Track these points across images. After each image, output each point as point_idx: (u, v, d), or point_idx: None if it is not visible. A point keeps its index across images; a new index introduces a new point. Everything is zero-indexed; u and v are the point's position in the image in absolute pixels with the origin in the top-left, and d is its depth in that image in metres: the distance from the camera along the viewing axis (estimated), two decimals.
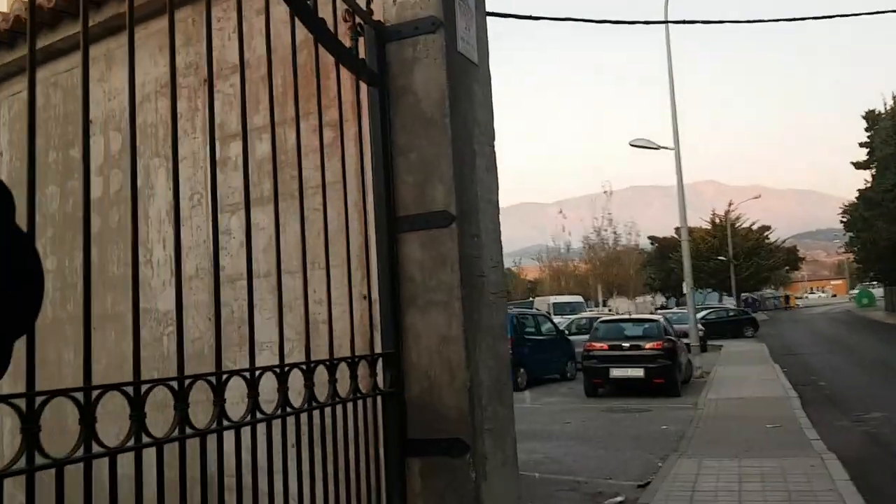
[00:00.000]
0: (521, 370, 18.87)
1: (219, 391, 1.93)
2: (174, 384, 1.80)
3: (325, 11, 2.66)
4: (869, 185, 47.57)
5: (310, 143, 2.80)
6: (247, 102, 3.58)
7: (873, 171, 46.68)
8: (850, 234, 53.57)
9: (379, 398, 2.72)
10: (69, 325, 4.27)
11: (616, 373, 16.81)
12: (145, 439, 1.68)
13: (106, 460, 1.58)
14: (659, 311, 35.92)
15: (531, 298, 52.37)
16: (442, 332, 2.73)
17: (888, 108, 45.22)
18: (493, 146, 3.20)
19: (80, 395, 1.55)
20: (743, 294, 62.91)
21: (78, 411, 1.54)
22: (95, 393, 1.59)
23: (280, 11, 2.77)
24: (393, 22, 2.93)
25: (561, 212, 66.02)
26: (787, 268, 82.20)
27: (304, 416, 2.31)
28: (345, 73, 2.86)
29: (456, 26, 2.93)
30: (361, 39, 2.89)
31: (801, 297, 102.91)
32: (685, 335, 20.86)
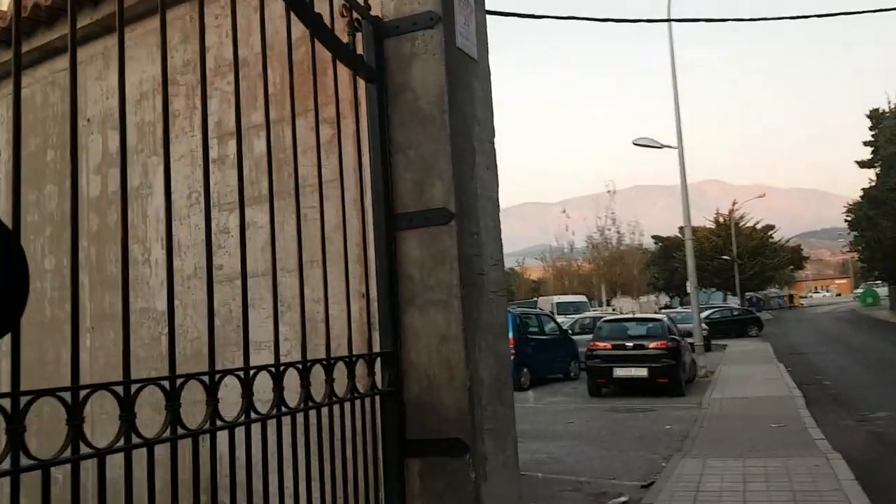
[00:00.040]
0: (525, 370, 18.83)
1: (212, 391, 1.90)
2: (166, 384, 1.77)
3: (321, 7, 2.63)
4: (873, 183, 47.42)
5: (309, 141, 2.77)
6: (247, 100, 3.59)
7: (877, 169, 46.55)
8: (855, 232, 53.40)
9: (377, 398, 2.69)
10: (68, 325, 4.22)
11: (620, 372, 16.76)
12: (136, 440, 1.64)
13: (105, 461, 1.55)
14: (663, 311, 35.85)
15: (535, 298, 52.32)
16: (441, 330, 2.70)
17: (892, 106, 45.10)
18: (494, 143, 3.16)
19: (67, 396, 1.52)
20: (747, 293, 62.78)
21: (65, 412, 1.51)
22: (83, 393, 1.56)
23: (278, 7, 2.74)
24: (391, 17, 2.90)
25: (564, 211, 65.99)
26: (791, 267, 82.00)
27: (301, 417, 2.27)
28: (343, 69, 2.82)
29: (455, 22, 2.90)
30: (359, 35, 2.86)
31: (805, 297, 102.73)
32: (689, 334, 20.80)
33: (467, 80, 2.96)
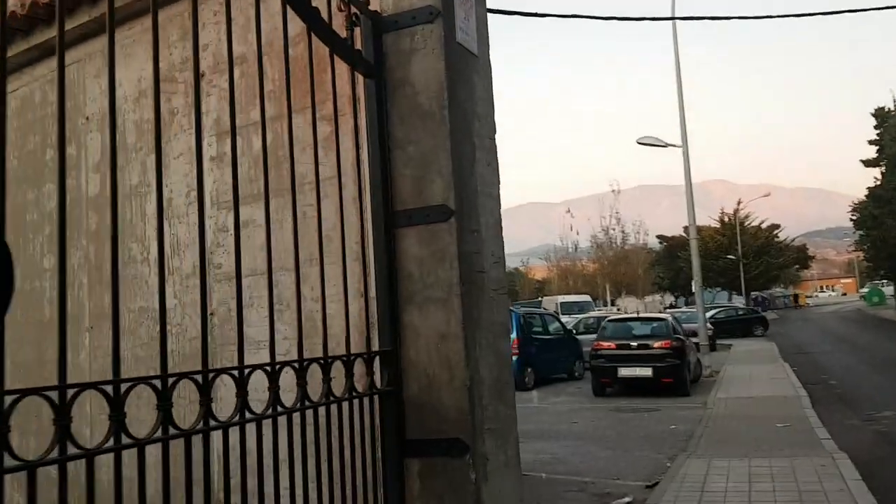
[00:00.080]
0: (529, 370, 18.78)
1: (205, 390, 1.86)
2: (157, 383, 1.73)
3: (319, 1, 2.59)
4: (879, 182, 47.29)
5: (308, 138, 2.73)
6: (247, 96, 3.56)
7: (883, 168, 46.42)
8: (860, 232, 53.28)
9: (376, 397, 2.65)
10: (68, 324, 4.21)
11: (624, 372, 16.70)
12: (126, 440, 1.61)
13: (98, 460, 1.52)
14: (667, 311, 35.78)
15: (539, 298, 52.27)
16: (441, 329, 2.66)
17: None
18: (494, 139, 3.12)
19: (55, 395, 1.49)
20: (752, 293, 62.63)
21: (53, 412, 1.48)
22: (71, 392, 1.52)
23: (276, 3, 2.70)
24: (390, 12, 2.86)
25: (569, 211, 65.95)
26: (796, 266, 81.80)
27: (298, 417, 2.24)
28: (342, 65, 2.79)
29: (455, 16, 2.86)
30: (357, 30, 2.82)
31: (811, 296, 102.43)
32: (694, 334, 20.73)
33: (467, 75, 2.92)
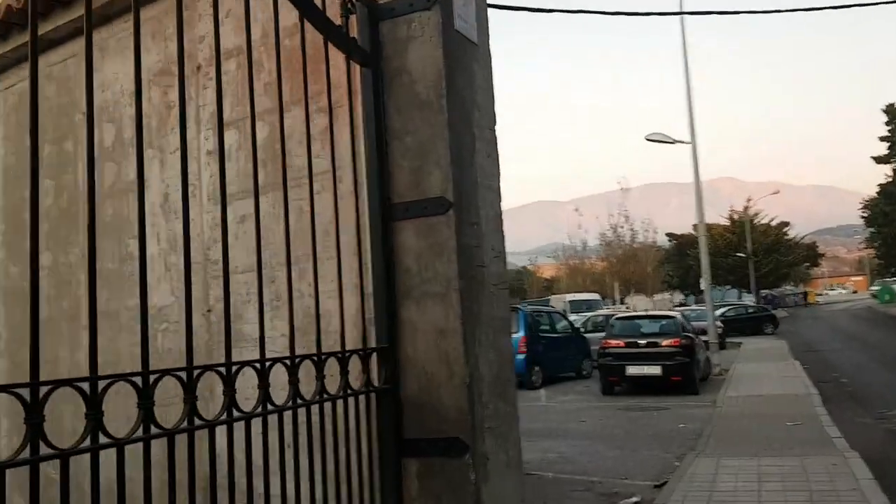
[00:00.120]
0: (537, 368, 18.69)
1: (189, 388, 1.79)
2: (138, 380, 1.66)
3: None
4: (890, 179, 46.95)
5: (304, 130, 2.66)
6: (242, 88, 3.48)
7: (894, 164, 46.08)
8: (871, 229, 52.95)
9: (373, 395, 2.57)
10: (65, 323, 4.17)
11: (632, 370, 16.58)
12: (104, 440, 1.54)
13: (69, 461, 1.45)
14: (677, 308, 35.58)
15: (548, 297, 52.14)
16: (439, 324, 2.58)
17: None
18: (495, 130, 3.03)
19: (27, 393, 1.42)
20: (762, 291, 62.31)
21: (24, 410, 1.41)
22: (44, 390, 1.45)
23: None
24: None
25: (577, 209, 65.74)
26: (806, 264, 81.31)
27: (289, 416, 2.16)
28: (339, 56, 2.72)
29: (453, 4, 2.77)
30: (353, 18, 2.74)
31: (821, 294, 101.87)
32: (704, 332, 20.60)
33: (466, 64, 2.84)
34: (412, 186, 2.66)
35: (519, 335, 18.12)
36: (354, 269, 2.71)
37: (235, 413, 1.91)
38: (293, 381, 2.15)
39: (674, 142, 22.22)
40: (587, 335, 22.73)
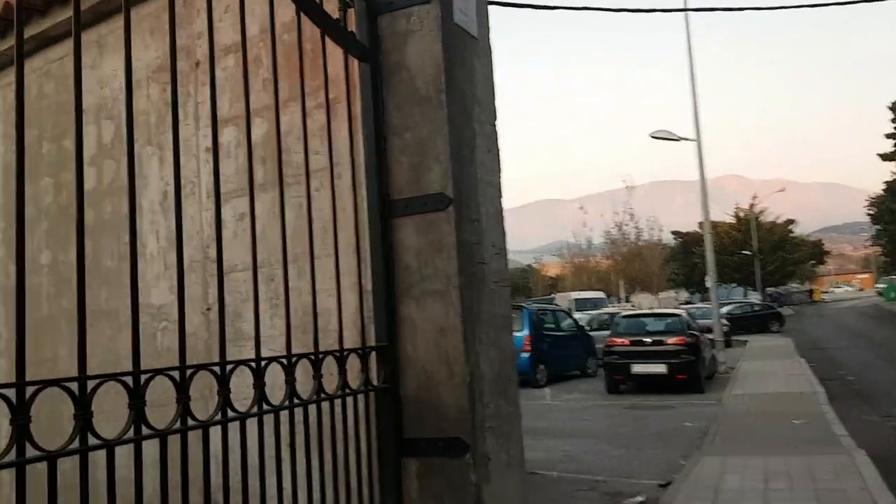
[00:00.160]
0: (541, 366, 18.64)
1: (182, 388, 1.75)
2: (129, 380, 1.62)
3: None
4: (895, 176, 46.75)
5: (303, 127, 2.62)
6: (240, 85, 3.44)
7: None
8: (877, 226, 52.74)
9: (372, 394, 2.53)
10: (65, 321, 4.14)
11: (638, 369, 16.50)
12: (93, 441, 1.50)
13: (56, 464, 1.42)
14: (682, 306, 35.49)
15: (553, 295, 52.06)
16: (439, 322, 2.54)
17: None
18: (495, 125, 2.99)
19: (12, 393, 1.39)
20: (768, 288, 62.11)
21: (9, 411, 1.37)
22: (31, 390, 1.41)
23: None
24: None
25: (582, 207, 65.64)
26: (812, 262, 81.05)
27: (285, 416, 2.13)
28: (336, 50, 2.68)
29: None
30: (351, 12, 2.71)
31: (827, 291, 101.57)
32: (709, 330, 20.52)
33: (466, 58, 2.80)
34: (411, 182, 2.62)
35: (524, 333, 18.08)
36: (353, 266, 2.68)
37: (230, 413, 1.87)
38: (289, 381, 2.12)
39: (679, 139, 22.14)
40: (592, 333, 22.65)
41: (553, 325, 20.73)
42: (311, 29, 2.63)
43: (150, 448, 1.61)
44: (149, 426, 1.63)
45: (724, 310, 31.18)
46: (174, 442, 1.69)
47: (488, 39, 3.02)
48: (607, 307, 38.93)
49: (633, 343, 16.87)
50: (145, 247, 3.81)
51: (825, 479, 7.36)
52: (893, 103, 47.45)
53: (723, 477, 7.72)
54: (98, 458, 1.50)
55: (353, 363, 2.47)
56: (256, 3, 3.10)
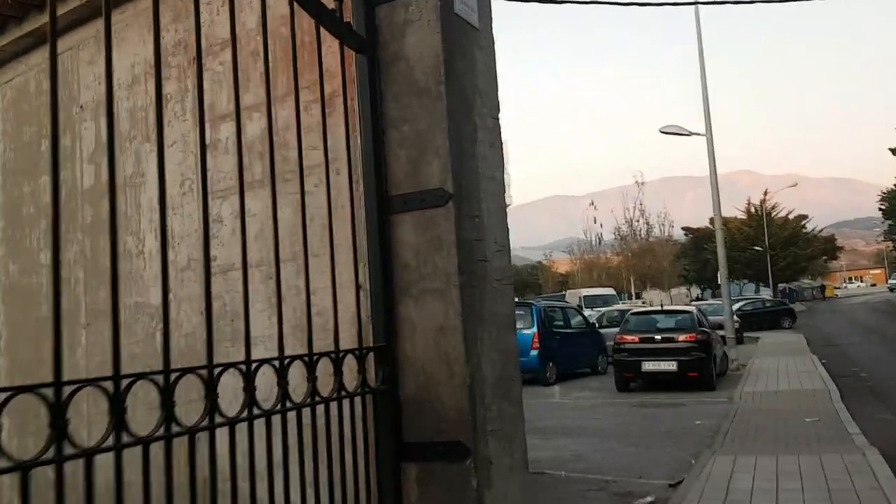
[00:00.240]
0: (551, 364, 18.52)
1: (167, 392, 1.68)
2: (109, 385, 1.55)
3: None
4: None
5: (303, 122, 2.55)
6: (235, 80, 3.38)
7: None
8: (890, 222, 52.30)
9: (369, 397, 2.46)
10: (63, 322, 4.08)
11: (648, 366, 16.36)
12: (70, 450, 1.43)
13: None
14: (694, 303, 35.27)
15: (563, 291, 51.89)
16: (439, 321, 2.46)
17: None
18: (498, 118, 2.90)
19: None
20: (780, 284, 61.75)
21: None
22: (2, 396, 1.35)
23: None
24: None
25: (592, 203, 65.41)
26: (824, 257, 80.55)
27: (277, 420, 2.05)
28: (334, 43, 2.60)
29: None
30: (348, 2, 2.63)
31: (839, 287, 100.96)
32: (720, 327, 20.35)
33: (467, 49, 2.72)
34: (410, 177, 2.54)
35: (532, 331, 17.98)
36: (350, 264, 2.60)
37: (218, 418, 1.80)
38: (282, 384, 2.04)
39: (689, 134, 21.98)
40: (602, 330, 22.50)
41: (562, 323, 20.60)
42: (308, 21, 2.55)
43: (132, 455, 1.55)
44: (130, 433, 1.56)
45: (736, 306, 30.97)
46: (158, 447, 1.63)
47: (490, 30, 2.93)
48: (618, 304, 38.74)
49: (643, 340, 16.72)
50: (144, 245, 3.75)
51: (837, 478, 7.25)
52: None
53: (734, 476, 7.62)
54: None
55: (351, 364, 2.39)
56: None
